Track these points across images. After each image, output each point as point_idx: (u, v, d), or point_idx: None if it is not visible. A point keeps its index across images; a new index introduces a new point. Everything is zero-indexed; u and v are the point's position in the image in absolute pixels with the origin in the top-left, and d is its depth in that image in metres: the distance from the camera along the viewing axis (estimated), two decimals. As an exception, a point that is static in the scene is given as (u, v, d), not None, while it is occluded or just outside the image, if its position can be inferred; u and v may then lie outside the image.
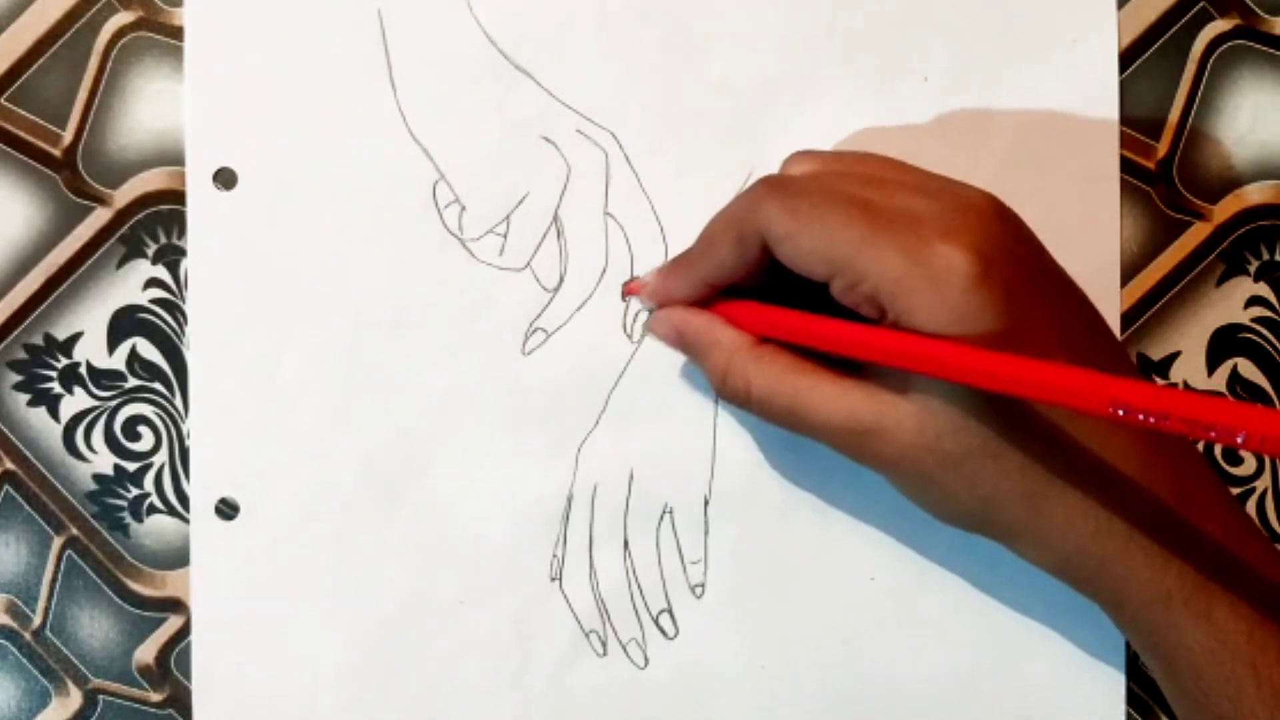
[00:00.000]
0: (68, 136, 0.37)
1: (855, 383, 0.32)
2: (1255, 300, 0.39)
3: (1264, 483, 0.39)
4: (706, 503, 0.38)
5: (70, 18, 0.37)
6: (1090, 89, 0.38)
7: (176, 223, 0.37)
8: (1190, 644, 0.31)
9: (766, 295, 0.34)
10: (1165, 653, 0.32)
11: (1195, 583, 0.31)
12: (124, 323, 0.38)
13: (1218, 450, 0.39)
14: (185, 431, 0.37)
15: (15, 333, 0.37)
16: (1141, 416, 0.26)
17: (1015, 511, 0.31)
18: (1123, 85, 0.38)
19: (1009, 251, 0.30)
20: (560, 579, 0.38)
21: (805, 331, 0.32)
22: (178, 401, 0.38)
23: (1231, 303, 0.39)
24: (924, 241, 0.30)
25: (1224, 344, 0.39)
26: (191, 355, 0.37)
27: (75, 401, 0.38)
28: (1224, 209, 0.39)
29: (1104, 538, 0.31)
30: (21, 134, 0.37)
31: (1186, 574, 0.31)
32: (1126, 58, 0.38)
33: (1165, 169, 0.39)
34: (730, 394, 0.34)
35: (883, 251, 0.30)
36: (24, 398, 0.38)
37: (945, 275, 0.29)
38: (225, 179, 0.37)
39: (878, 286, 0.30)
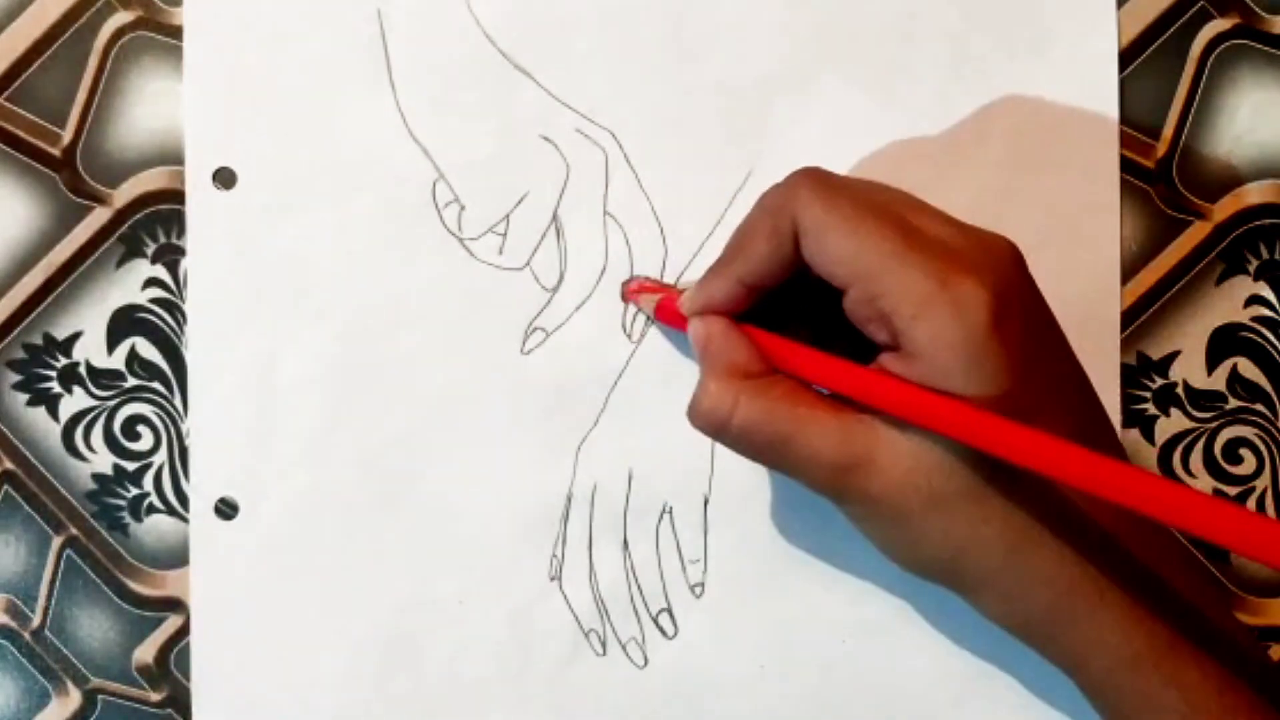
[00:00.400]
0: (67, 136, 0.37)
1: (851, 413, 0.31)
2: (1255, 299, 0.39)
3: (1264, 482, 0.39)
4: (706, 502, 0.38)
5: (70, 18, 0.37)
6: (1090, 89, 0.38)
7: (176, 222, 0.37)
8: (1159, 708, 0.30)
9: (776, 314, 0.33)
10: (1131, 716, 0.31)
11: (1166, 644, 0.30)
12: (123, 322, 0.38)
13: (1217, 447, 0.39)
14: (184, 431, 0.37)
15: (15, 332, 0.37)
16: (1149, 512, 0.26)
17: (990, 561, 0.30)
18: (1123, 85, 0.38)
19: (1023, 300, 0.30)
20: (560, 578, 0.38)
21: (815, 368, 0.32)
22: (177, 401, 0.38)
23: (1231, 302, 0.39)
24: (953, 272, 0.29)
25: (1224, 343, 0.39)
26: (191, 355, 0.37)
27: (75, 401, 0.38)
28: (1224, 208, 0.39)
29: (1077, 595, 0.30)
30: (21, 134, 0.37)
31: (1157, 635, 0.30)
32: (1126, 57, 0.38)
33: (1165, 168, 0.39)
34: (702, 420, 0.32)
35: (912, 271, 0.29)
36: (23, 397, 0.38)
37: (968, 309, 0.29)
38: (225, 179, 0.37)
39: (897, 306, 0.29)
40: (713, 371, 0.32)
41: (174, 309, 0.38)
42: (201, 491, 0.37)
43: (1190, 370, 0.39)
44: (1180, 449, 0.39)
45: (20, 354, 0.38)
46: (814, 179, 0.31)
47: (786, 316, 0.33)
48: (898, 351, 0.30)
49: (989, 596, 0.31)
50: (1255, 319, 0.39)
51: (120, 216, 0.38)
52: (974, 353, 0.29)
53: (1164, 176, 0.39)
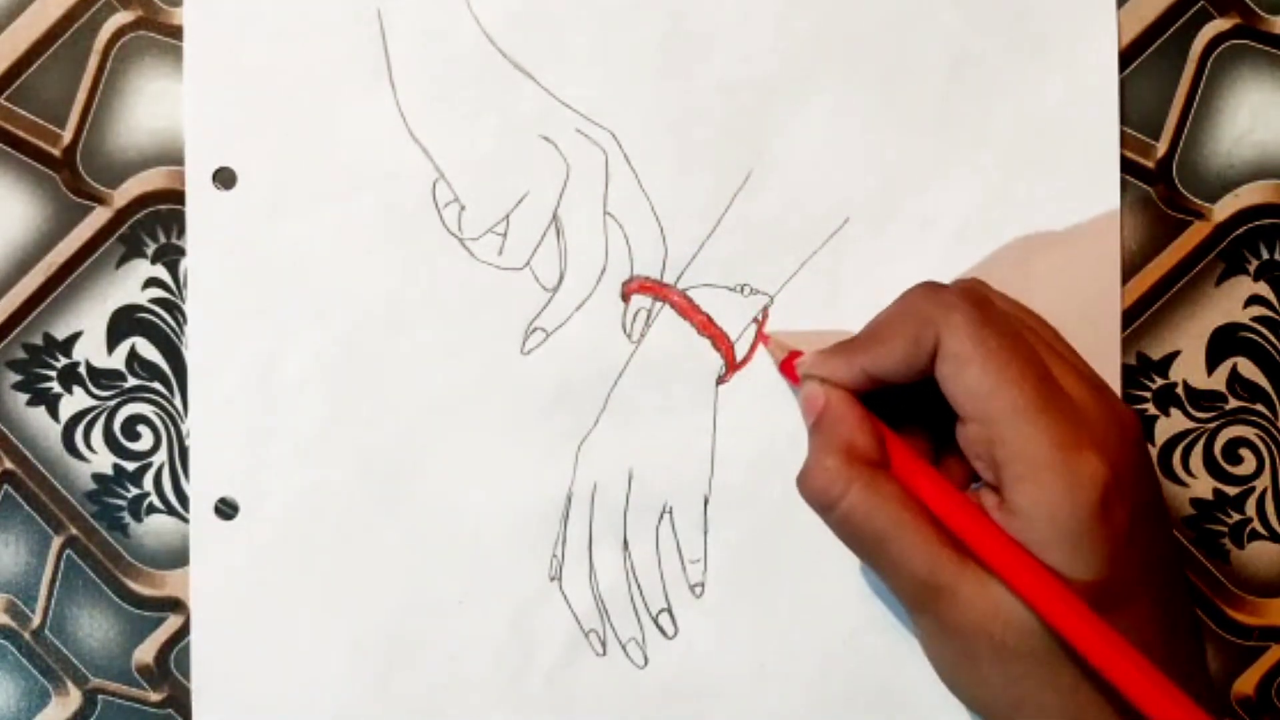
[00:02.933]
0: (67, 136, 0.37)
1: (949, 540, 0.30)
2: (1255, 299, 0.39)
3: (1264, 482, 0.39)
4: (706, 502, 0.38)
5: (70, 18, 0.37)
6: (1090, 89, 0.38)
7: (176, 222, 0.37)
8: None
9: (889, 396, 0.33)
10: None
11: None
12: (123, 322, 0.38)
13: (1217, 447, 0.39)
14: (184, 431, 0.37)
15: (15, 332, 0.37)
16: None
17: None
18: (1123, 85, 0.38)
19: (1137, 482, 0.30)
20: (560, 578, 0.38)
21: (924, 486, 0.31)
22: (177, 401, 0.38)
23: (1231, 302, 0.39)
24: (1078, 444, 0.29)
25: (1224, 343, 0.39)
26: (191, 355, 0.37)
27: (75, 401, 0.38)
28: (1223, 208, 0.39)
29: None
30: (21, 134, 0.37)
31: None
32: (1126, 57, 0.38)
33: (1165, 168, 0.39)
34: (813, 494, 0.32)
35: (1039, 433, 0.29)
36: (23, 397, 0.38)
37: (1084, 486, 0.28)
38: (225, 178, 0.37)
39: (1012, 462, 0.29)
40: (832, 447, 0.32)
41: (174, 309, 0.38)
42: (201, 491, 0.37)
43: (1190, 370, 0.39)
44: (1180, 449, 0.39)
45: (20, 354, 0.38)
46: (970, 302, 0.31)
47: (902, 406, 0.33)
48: (999, 504, 0.30)
49: None
50: (1255, 319, 0.39)
51: (120, 216, 0.38)
52: (1077, 531, 0.29)
53: (1164, 176, 0.39)
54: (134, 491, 0.38)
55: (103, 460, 0.38)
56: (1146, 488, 0.31)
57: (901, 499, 0.31)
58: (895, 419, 0.33)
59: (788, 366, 0.36)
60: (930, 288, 0.32)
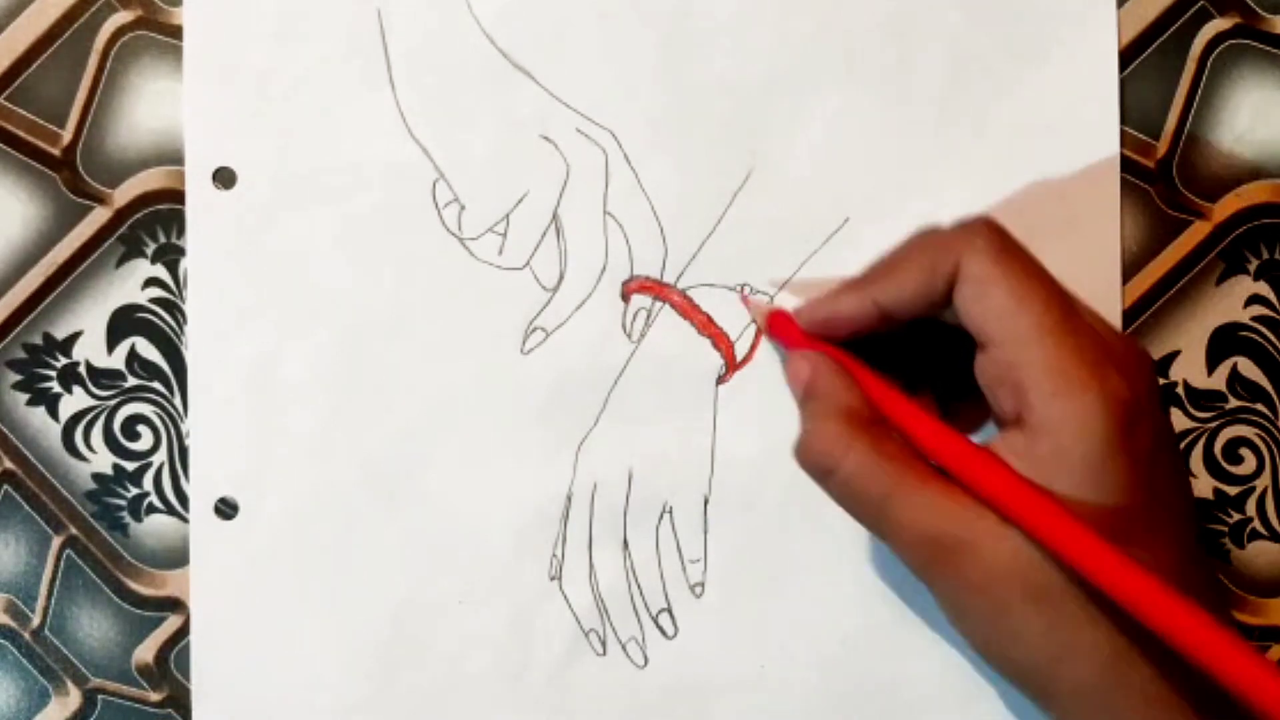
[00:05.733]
0: (67, 136, 0.37)
1: (958, 491, 0.29)
2: (1255, 299, 0.39)
3: (1264, 482, 0.39)
4: (706, 502, 0.38)
5: (69, 17, 0.37)
6: (1090, 89, 0.38)
7: (176, 222, 0.37)
8: None
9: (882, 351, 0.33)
10: None
11: None
12: (123, 322, 0.38)
13: (1217, 447, 0.39)
14: (184, 431, 0.37)
15: (14, 332, 0.37)
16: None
17: (1090, 669, 0.28)
18: (1123, 84, 0.38)
19: (1154, 414, 0.29)
20: (560, 578, 0.38)
21: (927, 436, 0.30)
22: (177, 401, 0.38)
23: (1231, 301, 0.39)
24: (1105, 363, 0.28)
25: (1224, 343, 0.39)
26: (190, 355, 0.37)
27: (74, 401, 0.38)
28: (1224, 208, 0.39)
29: (1174, 714, 0.28)
30: (21, 133, 0.37)
31: None
32: (1126, 57, 0.38)
33: (1165, 168, 0.39)
34: (812, 461, 0.31)
35: (1067, 349, 0.28)
36: (23, 397, 0.38)
37: (1114, 402, 0.28)
38: (224, 178, 0.37)
39: (1041, 379, 0.28)
40: (825, 413, 0.31)
41: (174, 309, 0.38)
42: (201, 491, 0.37)
43: (1190, 370, 0.39)
44: (1180, 449, 0.39)
45: (20, 354, 0.38)
46: (992, 230, 0.30)
47: (895, 364, 0.33)
48: (1022, 429, 0.29)
49: (1079, 708, 0.29)
50: (1255, 319, 0.39)
51: (120, 216, 0.38)
52: (1107, 446, 0.28)
53: (1164, 176, 0.39)
54: (134, 491, 0.38)
55: (103, 460, 0.38)
56: (1161, 424, 0.30)
57: (903, 455, 0.30)
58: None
59: (777, 324, 0.35)
60: (941, 225, 0.31)
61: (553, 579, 0.38)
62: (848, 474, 0.30)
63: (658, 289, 0.37)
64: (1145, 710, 0.28)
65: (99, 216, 0.38)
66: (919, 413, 0.31)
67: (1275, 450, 0.39)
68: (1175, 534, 0.29)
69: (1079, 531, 0.27)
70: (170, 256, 0.38)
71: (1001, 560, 0.28)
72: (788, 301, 0.36)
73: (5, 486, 0.38)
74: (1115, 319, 0.38)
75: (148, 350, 0.38)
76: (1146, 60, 0.39)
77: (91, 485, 0.38)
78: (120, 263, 0.38)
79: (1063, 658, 0.28)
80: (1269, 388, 0.39)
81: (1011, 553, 0.28)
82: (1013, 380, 0.29)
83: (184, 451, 0.37)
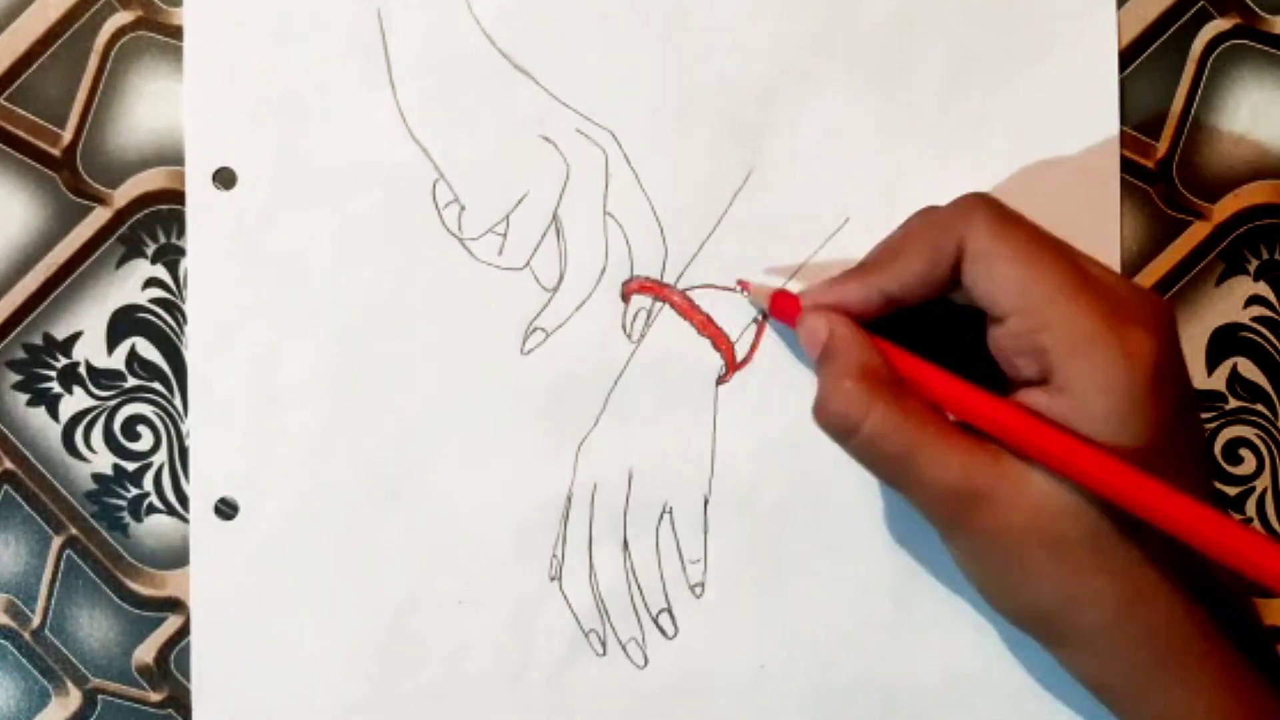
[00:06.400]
0: (67, 136, 0.37)
1: (978, 444, 0.30)
2: (1255, 299, 0.39)
3: (1264, 482, 0.39)
4: (706, 502, 0.38)
5: (70, 18, 0.37)
6: (1090, 89, 0.38)
7: (176, 222, 0.37)
8: None
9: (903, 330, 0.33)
10: None
11: (1258, 716, 0.29)
12: (123, 322, 0.38)
13: (1217, 447, 0.39)
14: (184, 431, 0.37)
15: (15, 332, 0.37)
16: None
17: (1099, 614, 0.29)
18: (1123, 85, 0.38)
19: (1177, 363, 0.30)
20: (560, 578, 0.38)
21: (949, 391, 0.31)
22: (177, 401, 0.38)
23: (1231, 302, 0.39)
24: (1123, 319, 0.29)
25: (1224, 343, 0.39)
26: (190, 355, 0.37)
27: (75, 401, 0.38)
28: (1224, 208, 0.39)
29: (1177, 656, 0.29)
30: (21, 134, 0.37)
31: (1249, 708, 0.29)
32: (1126, 57, 0.38)
33: (1165, 168, 0.39)
34: (834, 420, 0.31)
35: (1083, 309, 0.29)
36: (23, 397, 0.38)
37: (1134, 357, 0.28)
38: (225, 178, 0.37)
39: (1059, 341, 0.29)
40: (845, 371, 0.31)
41: (174, 309, 0.38)
42: (201, 491, 0.37)
43: (1190, 370, 0.38)
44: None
45: (20, 354, 0.38)
46: (989, 204, 0.31)
47: (906, 341, 0.33)
48: (1045, 388, 0.29)
49: (1088, 651, 0.30)
50: (1255, 319, 0.39)
51: (120, 216, 0.38)
52: (1131, 401, 0.28)
53: (1164, 176, 0.39)
54: (134, 491, 0.38)
55: (103, 460, 0.38)
56: (1183, 372, 0.31)
57: (923, 412, 0.30)
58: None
59: (777, 307, 0.35)
60: (940, 206, 0.32)
61: (553, 579, 0.38)
62: (870, 432, 0.30)
63: (658, 289, 0.37)
64: (1151, 652, 0.29)
65: (99, 217, 0.38)
66: (936, 369, 0.31)
67: (1275, 450, 0.39)
68: (1190, 472, 0.30)
69: (1108, 462, 0.28)
70: (170, 257, 0.38)
71: (1022, 511, 0.29)
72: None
73: (5, 487, 0.38)
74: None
75: (148, 350, 0.38)
76: (1146, 60, 0.39)
77: (91, 485, 0.38)
78: (120, 263, 0.38)
79: (1074, 603, 0.29)
80: (1269, 388, 0.39)
81: (1032, 504, 0.29)
82: (1032, 347, 0.29)
83: (184, 452, 0.37)
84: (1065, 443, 0.29)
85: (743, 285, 0.37)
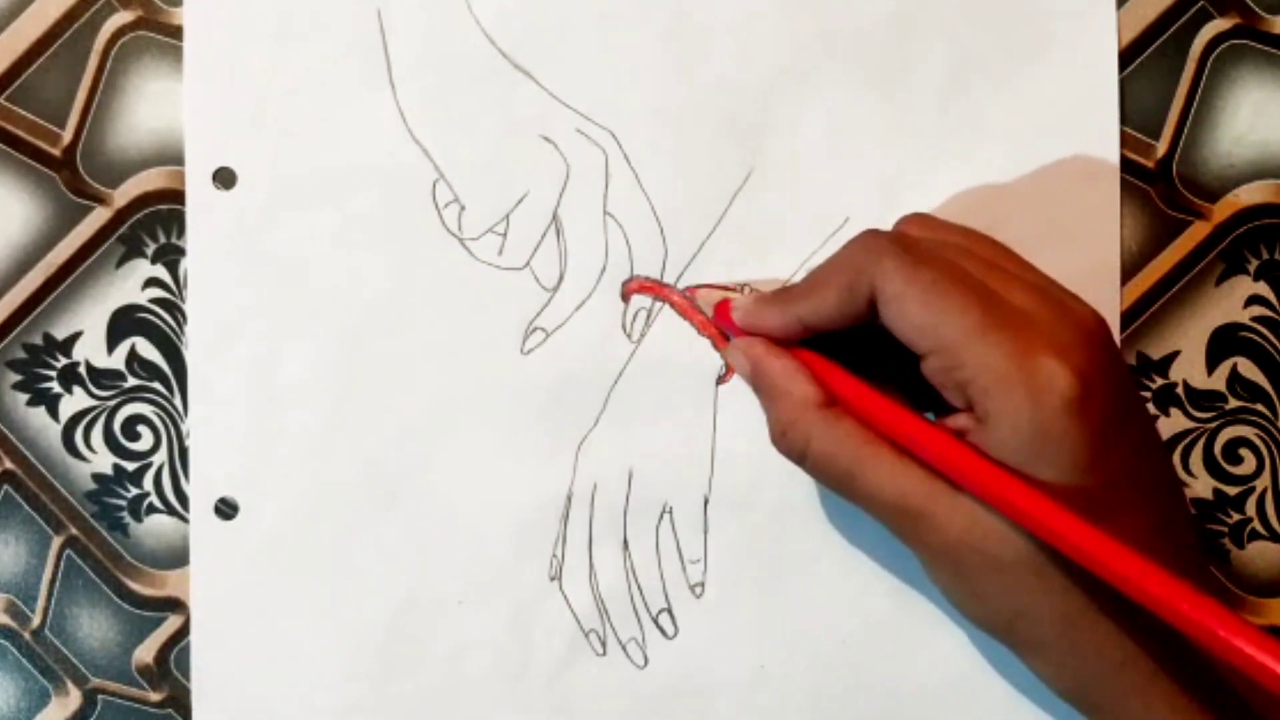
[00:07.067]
0: (67, 136, 0.37)
1: (911, 463, 0.31)
2: (1255, 299, 0.39)
3: (1264, 482, 0.39)
4: (706, 502, 0.38)
5: (70, 18, 0.37)
6: (1090, 89, 0.38)
7: (176, 222, 0.37)
8: None
9: (846, 343, 0.33)
10: None
11: None
12: (123, 322, 0.38)
13: (1217, 447, 0.39)
14: (184, 431, 0.37)
15: (15, 332, 0.37)
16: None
17: (1045, 630, 0.30)
18: (1122, 85, 0.38)
19: (1106, 384, 0.30)
20: (560, 578, 0.38)
21: (881, 416, 0.31)
22: (177, 401, 0.38)
23: (1231, 302, 0.39)
24: (1033, 350, 0.29)
25: (1224, 343, 0.39)
26: (190, 355, 0.37)
27: (74, 401, 0.38)
28: (1223, 208, 0.39)
29: (1128, 672, 0.30)
30: (21, 134, 0.37)
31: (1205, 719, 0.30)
32: (1126, 57, 0.38)
33: (1165, 168, 0.39)
34: (787, 448, 0.33)
35: (991, 348, 0.29)
36: (23, 397, 0.38)
37: (1046, 391, 0.29)
38: (224, 178, 0.37)
39: (973, 380, 0.29)
40: (780, 402, 0.33)
41: (174, 309, 0.38)
42: (201, 491, 0.37)
43: (1190, 370, 0.39)
44: (1180, 449, 0.39)
45: (20, 354, 0.38)
46: (897, 246, 0.31)
47: (853, 353, 0.33)
48: (970, 416, 0.30)
49: (1042, 661, 0.31)
50: (1255, 319, 0.39)
51: (120, 216, 0.38)
52: (1044, 437, 0.29)
53: (1164, 176, 0.39)
54: (134, 491, 0.38)
55: (103, 460, 0.38)
56: (1119, 388, 0.30)
57: (858, 434, 0.31)
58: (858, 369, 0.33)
59: (721, 315, 0.36)
60: (866, 236, 0.32)
61: (553, 579, 0.38)
62: (814, 457, 0.32)
63: (658, 289, 0.37)
64: (1100, 666, 0.30)
65: (99, 217, 0.38)
66: (869, 390, 0.32)
67: (1275, 450, 0.39)
68: (1150, 506, 0.30)
69: (1024, 492, 0.28)
70: (170, 256, 0.38)
71: (957, 528, 0.30)
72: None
73: (5, 487, 0.38)
74: (1115, 319, 0.38)
75: (148, 350, 0.38)
76: (1146, 60, 0.39)
77: (91, 485, 0.38)
78: (120, 263, 0.38)
79: (1020, 617, 0.30)
80: (1269, 388, 0.39)
81: (966, 521, 0.30)
82: (952, 382, 0.30)
83: (184, 452, 0.37)
84: (986, 471, 0.29)
85: (691, 292, 0.37)
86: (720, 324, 0.37)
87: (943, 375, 0.30)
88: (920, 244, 0.32)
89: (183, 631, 0.38)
